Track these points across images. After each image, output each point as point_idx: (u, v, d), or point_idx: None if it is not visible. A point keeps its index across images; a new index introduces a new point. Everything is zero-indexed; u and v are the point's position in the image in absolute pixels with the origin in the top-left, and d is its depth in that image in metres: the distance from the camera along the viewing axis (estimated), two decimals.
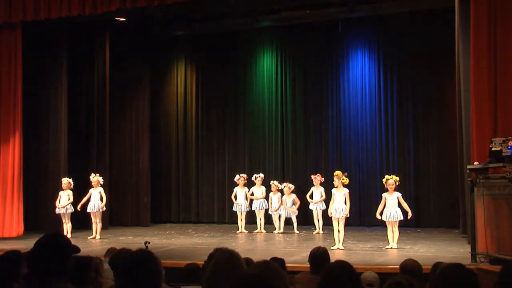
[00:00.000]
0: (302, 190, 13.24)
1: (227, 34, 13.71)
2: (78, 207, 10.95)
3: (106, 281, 4.42)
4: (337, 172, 9.56)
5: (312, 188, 11.50)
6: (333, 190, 9.49)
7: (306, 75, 13.51)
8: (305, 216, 13.02)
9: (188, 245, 10.04)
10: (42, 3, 10.77)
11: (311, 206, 11.46)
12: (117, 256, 4.53)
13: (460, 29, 9.38)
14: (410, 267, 4.37)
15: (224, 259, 2.87)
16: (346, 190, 9.37)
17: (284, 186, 11.70)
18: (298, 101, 13.49)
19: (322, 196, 11.29)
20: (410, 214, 9.22)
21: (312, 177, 11.55)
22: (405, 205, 9.17)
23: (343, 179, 9.41)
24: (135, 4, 10.27)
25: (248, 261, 4.37)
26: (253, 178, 11.93)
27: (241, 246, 9.84)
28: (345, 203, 9.29)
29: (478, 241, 7.21)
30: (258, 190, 11.84)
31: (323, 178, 11.43)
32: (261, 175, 11.98)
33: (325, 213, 12.36)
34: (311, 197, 11.47)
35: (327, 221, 9.83)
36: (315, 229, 11.40)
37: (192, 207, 13.79)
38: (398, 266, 4.66)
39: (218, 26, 13.38)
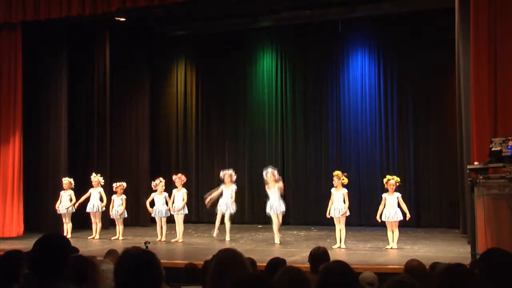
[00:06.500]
0: (301, 190, 13.29)
1: (227, 34, 13.69)
2: (76, 205, 10.95)
3: (106, 281, 4.41)
4: (337, 172, 9.58)
5: (222, 186, 10.63)
6: (332, 190, 9.52)
7: (306, 75, 13.49)
8: (304, 216, 13.05)
9: (188, 245, 10.04)
10: (42, 3, 10.77)
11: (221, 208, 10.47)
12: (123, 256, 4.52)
13: (460, 29, 9.38)
14: (415, 268, 4.30)
15: (227, 258, 2.87)
16: (345, 190, 9.40)
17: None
18: (298, 101, 13.48)
19: (232, 197, 10.41)
20: (408, 215, 9.23)
21: (222, 173, 10.70)
22: (404, 206, 9.17)
23: (342, 179, 9.43)
24: (135, 4, 10.26)
25: (251, 261, 4.38)
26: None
27: (241, 246, 9.84)
28: (344, 202, 9.32)
29: (478, 241, 7.20)
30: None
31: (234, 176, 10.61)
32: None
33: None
34: (221, 194, 10.54)
35: (328, 220, 9.83)
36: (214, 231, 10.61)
37: (192, 207, 13.75)
38: (398, 266, 4.64)
39: (218, 26, 13.37)
